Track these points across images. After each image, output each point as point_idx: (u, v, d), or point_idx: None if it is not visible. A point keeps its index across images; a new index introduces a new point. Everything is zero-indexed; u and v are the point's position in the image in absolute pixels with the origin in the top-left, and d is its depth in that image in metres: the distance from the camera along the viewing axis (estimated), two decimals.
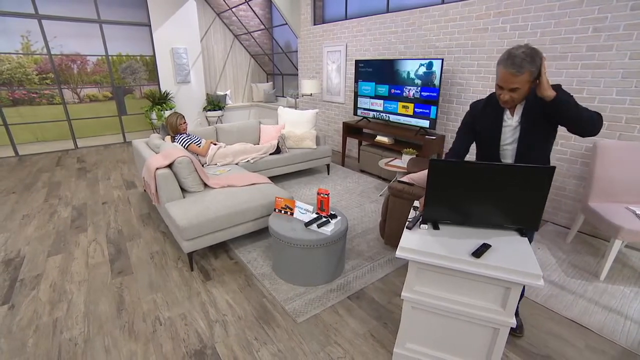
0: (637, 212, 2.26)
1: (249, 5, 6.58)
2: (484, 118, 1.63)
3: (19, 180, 4.31)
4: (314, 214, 2.28)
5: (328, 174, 4.47)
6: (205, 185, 2.82)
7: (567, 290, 2.16)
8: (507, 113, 1.56)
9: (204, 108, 7.04)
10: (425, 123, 3.78)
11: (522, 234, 1.45)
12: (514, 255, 1.30)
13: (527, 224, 1.45)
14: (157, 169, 2.56)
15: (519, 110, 1.52)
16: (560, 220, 3.03)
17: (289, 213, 2.36)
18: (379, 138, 4.27)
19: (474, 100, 1.74)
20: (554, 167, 1.32)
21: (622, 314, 1.96)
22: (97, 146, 6.13)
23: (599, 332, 1.83)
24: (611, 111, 2.63)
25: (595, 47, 2.63)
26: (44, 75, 6.10)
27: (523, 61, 1.34)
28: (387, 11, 4.34)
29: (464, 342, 1.47)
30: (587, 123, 1.35)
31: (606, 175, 2.45)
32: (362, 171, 4.62)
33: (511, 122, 1.55)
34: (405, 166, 3.40)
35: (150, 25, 6.09)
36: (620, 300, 2.08)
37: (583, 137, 1.41)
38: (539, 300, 2.06)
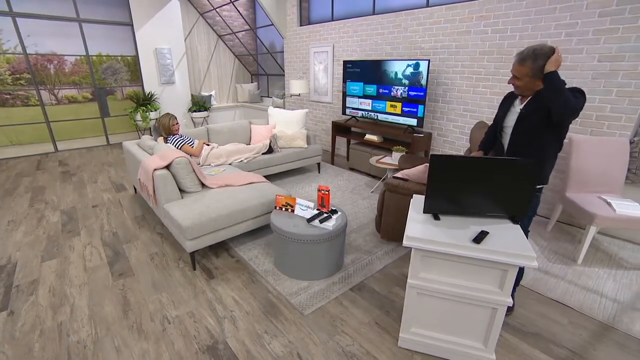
0: (607, 201, 2.49)
1: (234, 6, 6.56)
2: (503, 103, 1.88)
3: None
4: (315, 210, 2.36)
5: (319, 172, 4.56)
6: (203, 185, 2.83)
7: (550, 274, 2.35)
8: (518, 101, 1.76)
9: (189, 109, 6.95)
10: (412, 121, 3.93)
11: (514, 222, 1.60)
12: (510, 240, 1.44)
13: (517, 211, 1.60)
14: (155, 170, 2.56)
15: (527, 100, 1.70)
16: (541, 211, 3.26)
17: (289, 210, 2.43)
18: (368, 136, 4.40)
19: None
20: (535, 161, 1.48)
21: (598, 293, 2.17)
22: (79, 149, 5.93)
23: (580, 310, 2.02)
24: (583, 109, 2.85)
25: (568, 50, 2.86)
26: (17, 76, 5.83)
27: (526, 56, 1.57)
28: (374, 13, 4.48)
29: (465, 323, 1.59)
30: (563, 102, 1.48)
31: (581, 167, 2.67)
32: (352, 169, 4.74)
33: (517, 109, 1.74)
34: (396, 163, 3.54)
35: (132, 25, 5.95)
36: (596, 281, 2.29)
37: (558, 117, 1.53)
38: (525, 284, 2.23)
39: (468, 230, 1.52)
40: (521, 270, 1.96)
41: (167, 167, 2.61)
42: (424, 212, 1.65)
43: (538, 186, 1.72)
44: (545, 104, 1.54)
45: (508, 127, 1.78)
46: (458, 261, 1.47)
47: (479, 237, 1.43)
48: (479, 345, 1.61)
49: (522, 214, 1.61)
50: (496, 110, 1.94)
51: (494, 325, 1.53)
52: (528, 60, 1.57)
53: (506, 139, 1.79)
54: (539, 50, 1.55)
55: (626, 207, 2.37)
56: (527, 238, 1.83)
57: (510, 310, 1.97)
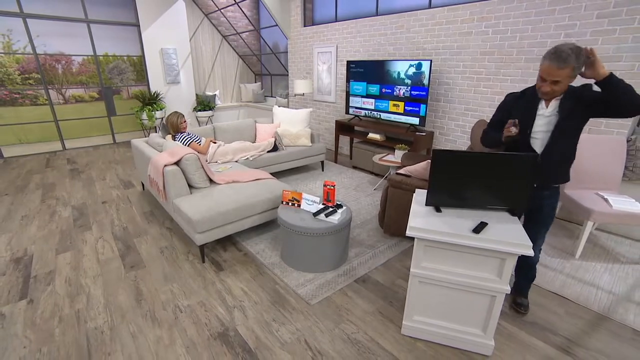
0: (604, 197, 2.56)
1: (239, 6, 6.65)
2: (518, 108, 1.76)
3: (9, 182, 4.23)
4: (321, 204, 2.44)
5: (322, 170, 4.64)
6: (211, 181, 2.92)
7: (549, 268, 2.43)
8: (542, 104, 1.67)
9: (194, 108, 7.05)
10: (415, 120, 4.01)
11: (512, 214, 1.67)
12: (508, 231, 1.51)
13: (516, 205, 1.67)
14: (165, 165, 2.64)
15: (554, 103, 1.63)
16: None
17: (296, 205, 2.51)
18: (371, 135, 4.48)
19: (509, 92, 1.88)
20: (536, 155, 1.55)
21: (594, 285, 2.24)
22: (86, 147, 6.04)
23: (576, 301, 2.09)
24: None
25: None
26: (26, 75, 5.94)
27: (569, 57, 1.44)
28: (377, 14, 4.55)
29: (465, 311, 1.67)
30: (636, 96, 1.40)
31: (579, 165, 2.73)
32: (355, 167, 4.82)
33: (544, 112, 1.66)
34: (399, 161, 3.61)
35: (139, 25, 6.05)
36: (592, 274, 2.36)
37: (626, 115, 1.47)
38: None
39: (468, 222, 1.59)
40: (533, 270, 1.98)
41: (177, 163, 2.70)
42: (426, 204, 1.73)
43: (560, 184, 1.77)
44: (618, 103, 1.45)
45: (541, 132, 1.68)
46: (458, 250, 1.55)
47: (479, 228, 1.50)
48: (479, 332, 1.68)
49: (522, 209, 1.69)
50: (497, 111, 1.89)
51: (492, 313, 1.61)
52: (570, 61, 1.44)
53: (539, 143, 1.71)
54: (574, 47, 1.45)
55: (622, 203, 2.44)
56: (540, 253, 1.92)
57: (526, 309, 1.99)
